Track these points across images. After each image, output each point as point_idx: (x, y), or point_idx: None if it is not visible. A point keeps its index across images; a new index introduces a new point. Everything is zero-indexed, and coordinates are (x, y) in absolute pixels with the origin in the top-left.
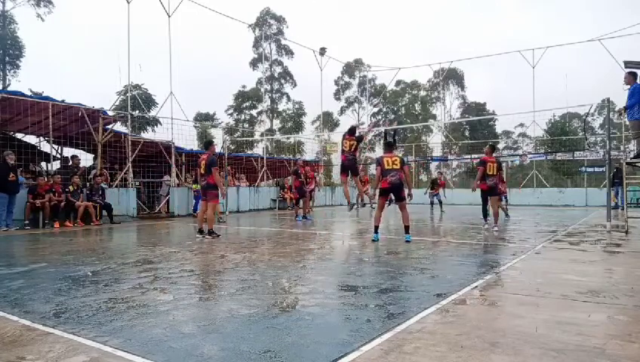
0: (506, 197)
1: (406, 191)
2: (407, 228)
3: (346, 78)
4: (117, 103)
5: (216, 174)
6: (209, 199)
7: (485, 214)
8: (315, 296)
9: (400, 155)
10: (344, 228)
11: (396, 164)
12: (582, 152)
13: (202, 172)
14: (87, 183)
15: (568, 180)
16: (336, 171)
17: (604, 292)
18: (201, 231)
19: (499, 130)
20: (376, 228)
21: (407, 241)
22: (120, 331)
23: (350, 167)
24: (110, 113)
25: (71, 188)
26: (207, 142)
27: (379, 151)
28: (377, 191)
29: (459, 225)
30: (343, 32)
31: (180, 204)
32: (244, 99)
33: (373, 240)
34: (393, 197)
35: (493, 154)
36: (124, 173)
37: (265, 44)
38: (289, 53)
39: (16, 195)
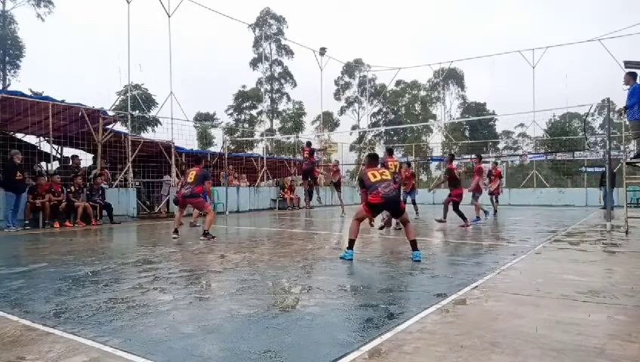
0: (496, 197)
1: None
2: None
3: (346, 78)
4: (117, 103)
5: (208, 187)
6: (195, 206)
7: (462, 216)
8: (315, 296)
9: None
10: (344, 228)
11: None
12: (582, 152)
13: (189, 181)
14: (88, 183)
15: (568, 180)
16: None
17: (604, 292)
18: (176, 232)
19: (499, 130)
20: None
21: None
22: (120, 331)
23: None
24: (110, 113)
25: (73, 188)
26: (199, 158)
27: (378, 151)
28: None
29: (459, 225)
30: (343, 32)
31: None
32: (244, 99)
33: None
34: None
35: (454, 163)
36: (124, 173)
37: (265, 44)
38: (289, 53)
39: (22, 195)
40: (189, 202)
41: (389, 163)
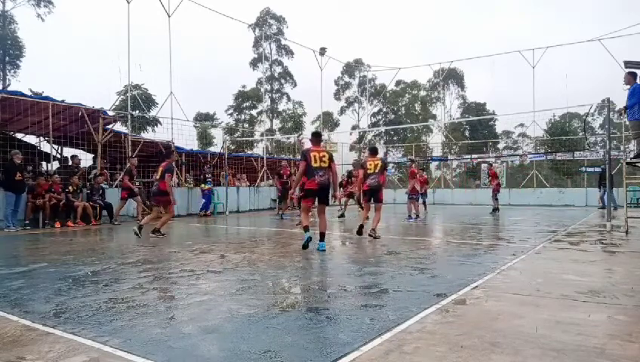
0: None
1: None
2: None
3: (346, 78)
4: (117, 103)
5: (168, 180)
6: (162, 205)
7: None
8: (315, 296)
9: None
10: (343, 229)
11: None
12: (582, 152)
13: (157, 177)
14: (88, 183)
15: (568, 180)
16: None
17: (604, 292)
18: (146, 230)
19: (499, 130)
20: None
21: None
22: (120, 331)
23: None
24: (110, 113)
25: (70, 188)
26: (168, 151)
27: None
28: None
29: (459, 225)
30: (343, 32)
31: (180, 204)
32: (244, 99)
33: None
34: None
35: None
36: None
37: (265, 44)
38: (289, 53)
39: (22, 195)
40: (156, 200)
41: (368, 163)
